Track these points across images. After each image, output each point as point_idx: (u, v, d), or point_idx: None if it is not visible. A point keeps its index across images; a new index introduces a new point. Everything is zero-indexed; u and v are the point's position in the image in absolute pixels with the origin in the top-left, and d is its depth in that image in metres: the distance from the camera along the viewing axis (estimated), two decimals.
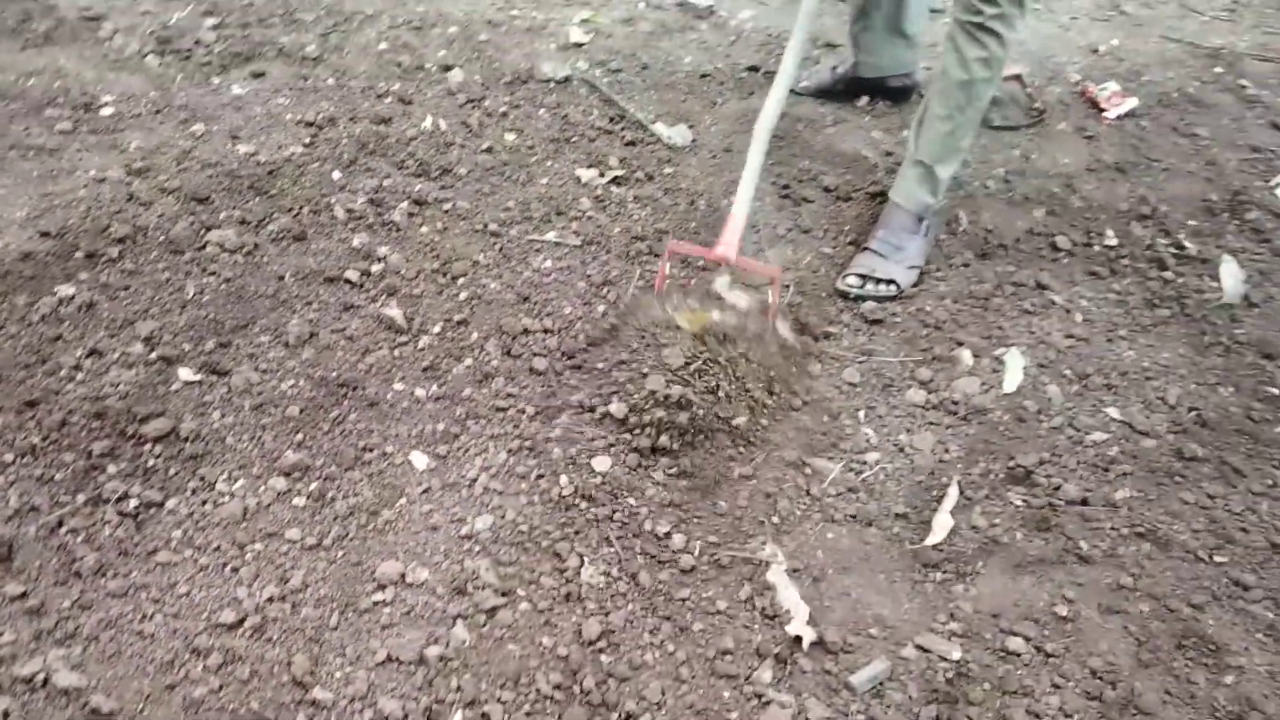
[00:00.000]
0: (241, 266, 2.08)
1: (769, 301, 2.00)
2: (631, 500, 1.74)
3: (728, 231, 2.01)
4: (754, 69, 2.87)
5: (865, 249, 2.24)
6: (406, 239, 2.18)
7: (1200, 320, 2.19)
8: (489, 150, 2.46)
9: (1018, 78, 2.83)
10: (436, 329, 2.00)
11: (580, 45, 2.91)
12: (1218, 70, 3.05)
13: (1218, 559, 1.73)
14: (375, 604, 1.57)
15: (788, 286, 2.17)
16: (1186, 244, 2.36)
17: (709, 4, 3.15)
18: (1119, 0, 3.50)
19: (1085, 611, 1.63)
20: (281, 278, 2.06)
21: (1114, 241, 2.36)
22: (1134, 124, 2.79)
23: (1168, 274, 2.28)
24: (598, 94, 2.71)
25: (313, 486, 1.72)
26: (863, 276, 2.20)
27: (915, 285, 2.22)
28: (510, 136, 2.53)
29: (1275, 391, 2.05)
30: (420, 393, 1.89)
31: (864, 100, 2.78)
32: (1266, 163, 2.66)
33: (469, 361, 1.95)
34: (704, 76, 2.84)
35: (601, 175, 2.45)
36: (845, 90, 2.79)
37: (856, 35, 2.63)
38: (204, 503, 1.67)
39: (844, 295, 2.20)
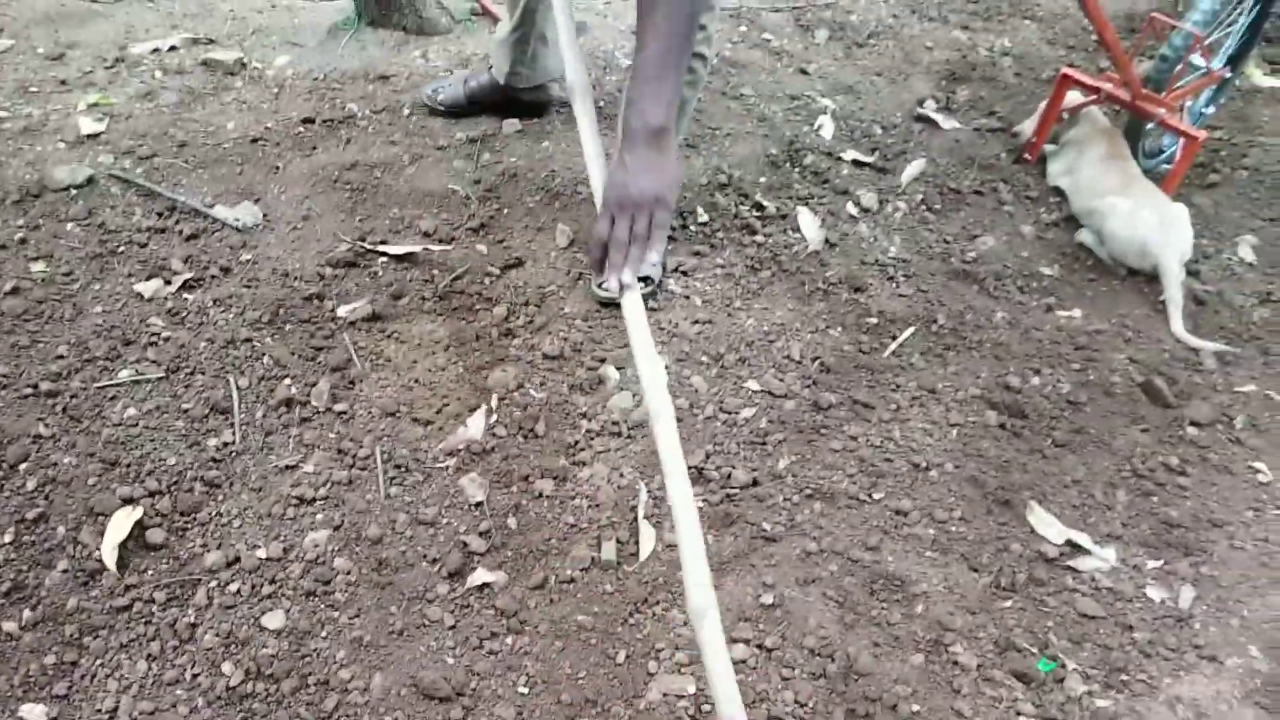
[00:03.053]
0: None
1: None
2: (319, 646, 1.53)
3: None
4: (309, 120, 2.63)
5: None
6: None
7: (796, 273, 2.36)
8: (15, 291, 2.03)
9: None
10: (8, 538, 1.61)
11: (96, 136, 2.49)
12: (743, 29, 3.30)
13: (876, 495, 1.88)
14: None
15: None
16: (764, 203, 2.53)
17: (238, 57, 2.84)
18: None
19: (787, 592, 1.70)
20: None
21: (705, 218, 2.46)
22: None
23: (758, 237, 2.42)
24: (134, 189, 2.34)
25: None
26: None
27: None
28: (38, 266, 2.11)
29: (873, 320, 2.26)
30: (9, 626, 1.52)
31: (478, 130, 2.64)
32: (805, 108, 2.92)
33: (64, 564, 1.60)
34: (255, 141, 2.55)
35: (168, 284, 2.12)
36: (486, 104, 2.66)
37: (517, 47, 2.50)
38: None
39: (610, 305, 2.20)
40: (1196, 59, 2.59)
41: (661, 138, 1.30)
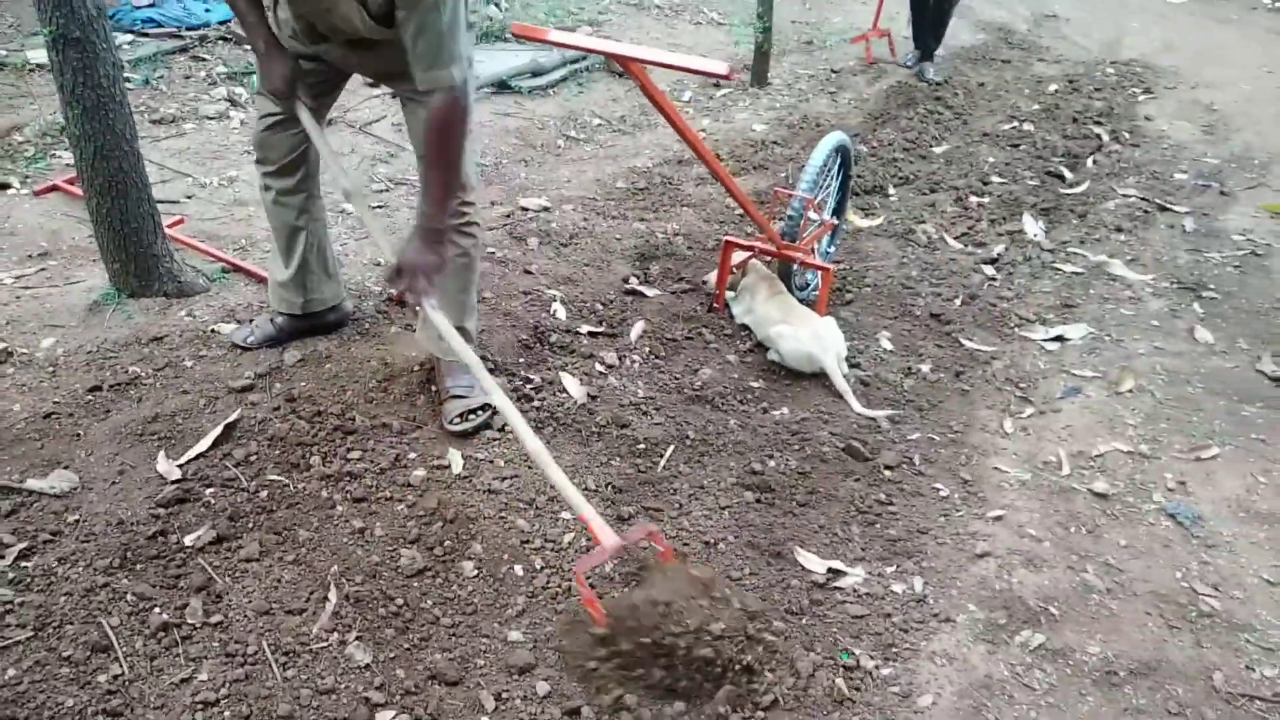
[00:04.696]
0: None
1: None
2: None
3: (597, 527, 2.04)
4: (96, 388, 2.81)
5: (451, 397, 2.78)
6: None
7: (572, 424, 2.86)
8: None
9: None
10: None
11: None
12: None
13: None
14: None
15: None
16: (531, 376, 3.04)
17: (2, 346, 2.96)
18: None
19: None
20: None
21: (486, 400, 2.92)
22: None
23: (535, 403, 2.91)
24: None
25: None
26: (463, 415, 2.72)
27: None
28: None
29: (641, 446, 2.80)
30: None
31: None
32: (538, 299, 3.51)
33: None
34: (47, 416, 2.68)
35: (1, 558, 2.21)
36: (292, 334, 3.05)
37: (303, 279, 2.94)
38: None
39: (463, 435, 2.71)
40: (812, 214, 3.51)
41: (435, 234, 2.30)
